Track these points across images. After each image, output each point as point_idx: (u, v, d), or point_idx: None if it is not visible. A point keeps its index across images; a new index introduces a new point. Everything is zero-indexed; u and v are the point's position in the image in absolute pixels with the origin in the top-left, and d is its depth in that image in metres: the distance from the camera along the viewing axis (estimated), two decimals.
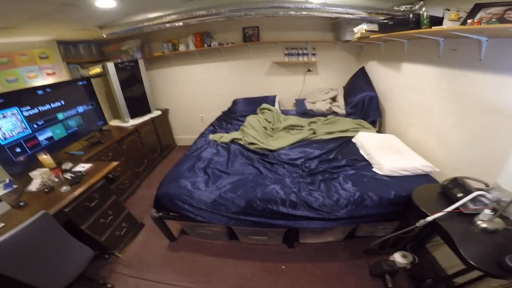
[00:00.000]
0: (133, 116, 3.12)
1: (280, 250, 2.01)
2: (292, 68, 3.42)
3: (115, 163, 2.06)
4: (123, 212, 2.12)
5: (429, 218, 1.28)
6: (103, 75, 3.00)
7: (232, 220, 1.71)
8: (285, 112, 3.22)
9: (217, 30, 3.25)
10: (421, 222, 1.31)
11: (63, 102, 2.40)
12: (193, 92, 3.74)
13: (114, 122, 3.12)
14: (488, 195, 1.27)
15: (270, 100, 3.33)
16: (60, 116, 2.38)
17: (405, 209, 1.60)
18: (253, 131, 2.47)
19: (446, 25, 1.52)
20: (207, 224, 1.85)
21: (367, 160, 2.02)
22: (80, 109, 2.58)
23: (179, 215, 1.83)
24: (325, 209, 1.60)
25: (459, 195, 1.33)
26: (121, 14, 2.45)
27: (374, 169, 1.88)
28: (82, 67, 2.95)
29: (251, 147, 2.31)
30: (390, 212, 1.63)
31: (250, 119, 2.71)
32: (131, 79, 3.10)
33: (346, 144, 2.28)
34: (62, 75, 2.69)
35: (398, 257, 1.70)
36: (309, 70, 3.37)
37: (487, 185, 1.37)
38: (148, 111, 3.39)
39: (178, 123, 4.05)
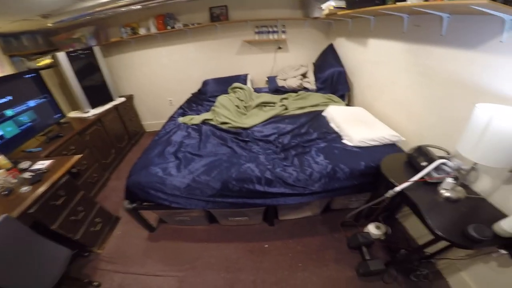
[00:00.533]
0: (94, 105, 2.87)
1: (261, 229, 2.03)
2: (263, 46, 3.32)
3: (78, 156, 1.89)
4: (94, 207, 1.98)
5: (397, 189, 1.32)
6: (55, 66, 2.70)
7: (209, 204, 1.67)
8: (257, 90, 3.17)
9: (182, 11, 3.04)
10: (390, 192, 1.35)
11: (10, 98, 2.14)
12: (159, 76, 3.52)
13: (74, 114, 2.85)
14: (449, 163, 1.33)
15: (242, 79, 3.24)
16: (9, 112, 2.11)
17: (376, 180, 1.65)
18: (225, 110, 2.38)
19: (410, 1, 1.55)
20: (184, 210, 1.80)
21: (337, 132, 2.05)
22: (32, 103, 2.30)
23: (154, 204, 1.74)
24: (300, 184, 1.61)
25: (423, 164, 1.39)
26: (68, 1, 2.18)
27: (344, 141, 1.92)
28: (28, 59, 2.65)
29: (224, 126, 2.23)
30: (362, 183, 1.68)
31: (222, 98, 2.61)
32: (87, 68, 2.85)
33: (317, 118, 2.30)
34: (4, 69, 2.39)
35: (372, 229, 1.78)
36: (279, 48, 3.30)
37: (448, 153, 1.44)
38: (110, 99, 3.15)
39: (145, 108, 3.82)
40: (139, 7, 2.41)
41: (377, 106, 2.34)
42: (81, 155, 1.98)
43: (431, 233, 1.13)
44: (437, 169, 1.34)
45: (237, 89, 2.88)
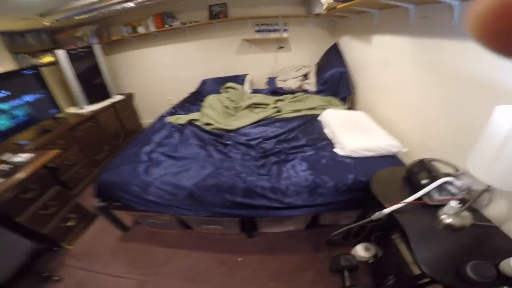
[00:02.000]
0: (91, 102, 2.84)
1: (238, 240, 1.79)
2: (263, 45, 3.10)
3: (55, 151, 1.80)
4: (69, 202, 1.89)
5: (385, 211, 1.04)
6: (57, 63, 2.75)
7: (177, 210, 1.48)
8: (256, 91, 2.94)
9: (181, 10, 2.93)
10: (377, 214, 1.08)
11: (9, 93, 2.15)
12: (158, 75, 3.43)
13: (71, 110, 2.82)
14: (456, 183, 1.03)
15: (241, 79, 3.04)
16: (5, 106, 2.16)
17: (365, 197, 1.37)
18: (212, 111, 2.17)
19: None
20: (153, 213, 1.68)
21: (330, 139, 1.77)
22: (29, 98, 2.31)
23: (123, 204, 1.60)
24: (275, 197, 1.37)
25: (424, 181, 1.10)
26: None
27: (335, 150, 1.63)
28: (33, 56, 2.69)
29: (208, 128, 2.03)
30: (349, 200, 1.40)
31: (210, 98, 2.40)
32: (86, 65, 2.84)
33: (311, 123, 2.02)
34: (6, 66, 2.42)
35: (360, 250, 1.50)
36: (281, 47, 3.05)
37: (457, 170, 1.12)
38: (108, 96, 3.09)
39: (144, 107, 3.74)
40: (132, 4, 2.34)
41: (380, 110, 2.04)
42: (60, 150, 1.90)
43: (417, 266, 0.86)
44: (440, 189, 1.05)
45: (229, 89, 2.70)
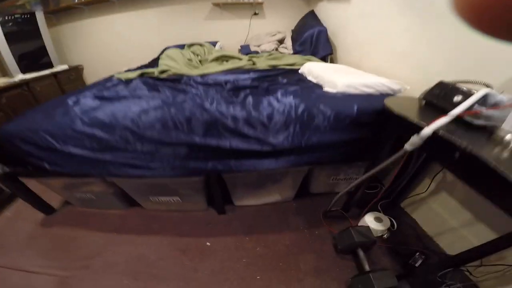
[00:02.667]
0: (26, 71, 2.28)
1: (205, 218, 1.29)
2: (237, 11, 2.67)
3: None
4: None
5: (427, 131, 0.65)
6: None
7: (108, 168, 0.94)
8: None
9: None
10: (413, 140, 0.68)
11: None
12: (114, 45, 2.83)
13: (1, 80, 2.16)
14: (502, 97, 0.68)
15: None
16: None
17: (376, 134, 0.99)
18: (171, 61, 1.66)
19: None
20: (82, 182, 1.09)
21: (316, 84, 1.34)
22: None
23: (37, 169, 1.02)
24: (253, 134, 0.90)
25: (456, 99, 0.75)
26: None
27: (325, 89, 1.21)
28: None
29: (162, 76, 1.50)
30: (355, 140, 1.00)
31: (170, 51, 1.87)
32: (23, 33, 2.32)
33: (291, 73, 1.59)
34: None
35: (370, 221, 1.12)
36: (255, 14, 2.66)
37: (489, 87, 0.77)
38: (49, 67, 2.52)
39: (97, 79, 3.07)
40: None
41: (366, 62, 1.71)
42: None
43: None
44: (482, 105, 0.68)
45: (195, 46, 2.18)
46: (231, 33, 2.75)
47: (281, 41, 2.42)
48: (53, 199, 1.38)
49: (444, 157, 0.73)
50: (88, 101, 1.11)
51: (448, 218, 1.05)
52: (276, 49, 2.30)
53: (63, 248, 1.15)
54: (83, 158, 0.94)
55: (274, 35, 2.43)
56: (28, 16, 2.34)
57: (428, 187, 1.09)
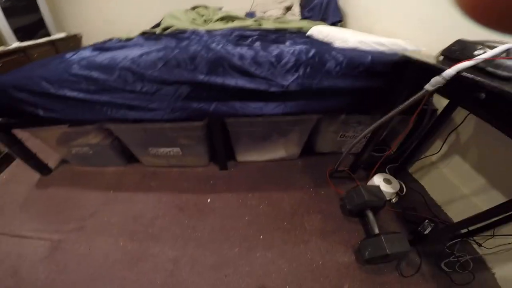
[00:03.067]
0: (23, 39, 2.18)
1: (207, 174, 1.25)
2: None
3: None
4: None
5: (451, 71, 0.61)
6: None
7: (104, 112, 0.89)
8: None
9: None
10: (436, 80, 0.64)
11: None
12: (115, 13, 2.70)
13: None
14: None
15: None
16: None
17: (391, 84, 0.93)
18: (175, 20, 1.57)
19: None
20: (77, 130, 1.04)
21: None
22: None
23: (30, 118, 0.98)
24: (260, 72, 0.84)
25: (478, 52, 0.66)
26: None
27: (336, 45, 1.16)
28: None
29: (165, 33, 1.42)
30: (368, 89, 0.93)
31: (174, 10, 1.77)
32: (21, 8, 2.19)
33: (299, 33, 1.47)
34: None
35: (379, 183, 1.07)
36: None
37: None
38: (47, 35, 2.42)
39: None
40: None
41: (378, 28, 1.61)
42: None
43: None
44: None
45: (200, 7, 2.06)
46: (235, 1, 2.59)
47: (288, 8, 2.29)
48: (50, 159, 1.35)
49: (468, 100, 0.67)
50: (86, 52, 1.05)
51: (459, 184, 1.00)
52: (283, 15, 2.18)
53: (57, 210, 1.11)
54: (79, 102, 0.88)
55: (281, 2, 2.30)
56: None
57: (441, 149, 1.05)
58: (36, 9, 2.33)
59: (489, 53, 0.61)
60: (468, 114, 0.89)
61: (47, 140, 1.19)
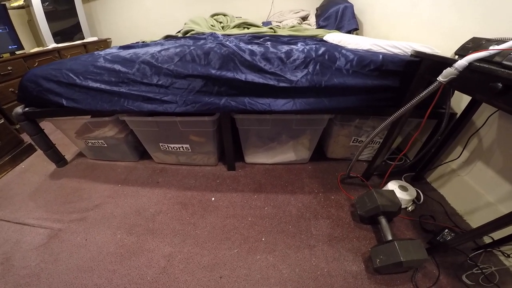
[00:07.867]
0: (60, 42, 2.43)
1: (214, 173, 1.26)
2: None
3: None
4: None
5: (463, 61, 0.59)
6: (27, 6, 2.33)
7: (123, 102, 0.95)
8: None
9: None
10: (448, 71, 0.62)
11: None
12: (141, 20, 2.97)
13: (35, 49, 2.29)
14: None
15: None
16: None
17: (403, 84, 0.91)
18: (195, 25, 1.68)
19: None
20: (95, 121, 1.12)
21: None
22: None
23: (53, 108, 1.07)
24: (270, 68, 0.85)
25: (492, 47, 0.66)
26: None
27: (349, 48, 1.16)
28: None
29: (186, 35, 1.51)
30: (379, 87, 0.91)
31: (194, 17, 1.89)
32: (61, 8, 2.47)
33: (312, 39, 1.51)
34: None
35: (394, 189, 1.00)
36: None
37: None
38: (81, 38, 2.70)
39: None
40: None
41: (394, 35, 1.61)
42: None
43: None
44: None
45: (219, 15, 2.18)
46: (254, 9, 2.74)
47: (304, 18, 2.35)
48: (67, 152, 1.44)
49: (484, 91, 0.64)
50: (113, 49, 1.16)
51: (483, 191, 0.93)
52: (299, 25, 2.24)
53: (65, 200, 1.16)
54: (99, 92, 0.95)
55: (297, 12, 2.38)
56: None
57: (461, 154, 0.98)
58: (74, 14, 2.59)
59: (504, 45, 0.59)
60: (490, 116, 0.84)
61: (67, 131, 1.27)
